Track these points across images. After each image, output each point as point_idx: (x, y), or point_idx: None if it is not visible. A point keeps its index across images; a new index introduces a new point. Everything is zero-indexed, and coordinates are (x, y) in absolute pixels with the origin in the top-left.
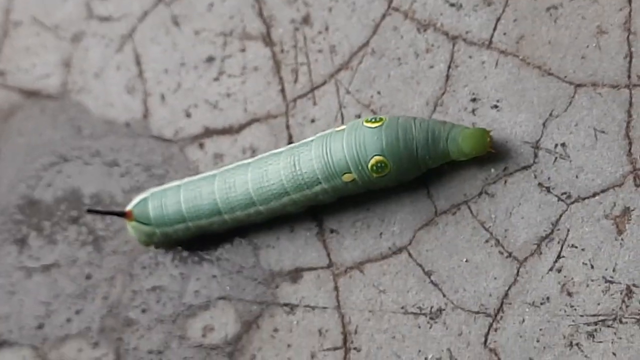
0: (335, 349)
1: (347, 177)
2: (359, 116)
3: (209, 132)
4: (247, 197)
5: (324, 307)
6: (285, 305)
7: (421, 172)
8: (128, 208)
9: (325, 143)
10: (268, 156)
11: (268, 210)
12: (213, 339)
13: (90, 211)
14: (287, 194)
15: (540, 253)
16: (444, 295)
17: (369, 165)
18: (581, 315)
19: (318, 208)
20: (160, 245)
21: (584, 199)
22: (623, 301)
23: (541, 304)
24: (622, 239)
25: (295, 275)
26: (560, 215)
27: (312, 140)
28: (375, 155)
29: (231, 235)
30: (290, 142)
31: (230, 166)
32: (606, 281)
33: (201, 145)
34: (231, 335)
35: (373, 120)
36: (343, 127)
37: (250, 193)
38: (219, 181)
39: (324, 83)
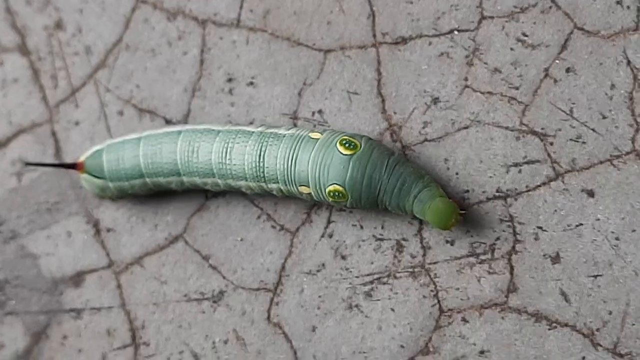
0: (125, 346)
1: (303, 189)
2: (121, 113)
3: None
4: (208, 167)
5: (110, 307)
6: (72, 310)
7: (379, 209)
8: (81, 159)
9: (295, 147)
10: (238, 131)
11: (225, 185)
12: (5, 356)
13: (39, 164)
14: (246, 179)
15: (311, 221)
16: (224, 277)
17: (327, 190)
18: (357, 277)
19: (93, 208)
20: (116, 198)
21: None
22: (395, 256)
23: (317, 271)
24: None
25: (77, 279)
26: None
27: (284, 136)
28: (336, 183)
29: (10, 248)
30: (57, 149)
31: (198, 127)
32: (376, 239)
33: None
34: (22, 349)
35: (347, 145)
36: (319, 135)
37: (212, 165)
38: (183, 141)
39: (83, 85)
